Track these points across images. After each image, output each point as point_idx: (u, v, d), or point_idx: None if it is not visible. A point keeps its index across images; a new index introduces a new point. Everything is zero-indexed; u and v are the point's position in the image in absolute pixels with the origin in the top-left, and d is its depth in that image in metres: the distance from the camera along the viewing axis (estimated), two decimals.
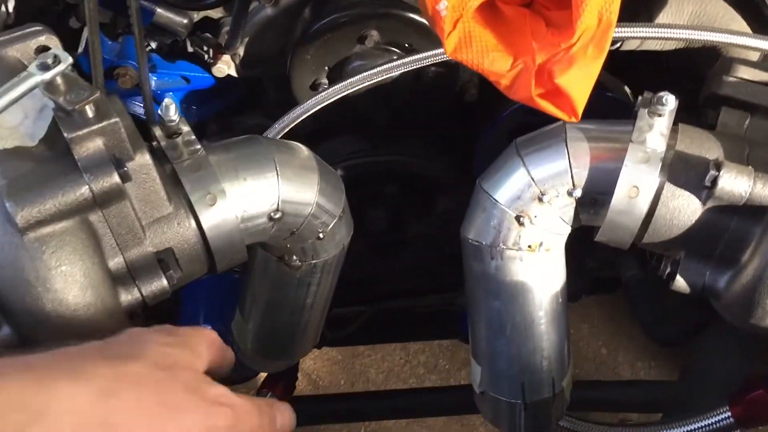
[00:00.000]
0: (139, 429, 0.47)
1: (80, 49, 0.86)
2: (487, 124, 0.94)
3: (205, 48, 0.88)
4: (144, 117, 0.76)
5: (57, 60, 0.53)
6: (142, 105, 0.92)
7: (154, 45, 0.90)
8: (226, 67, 0.88)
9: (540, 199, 0.64)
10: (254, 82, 0.97)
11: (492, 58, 0.51)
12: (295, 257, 0.70)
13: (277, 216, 0.64)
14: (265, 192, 0.63)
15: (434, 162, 0.99)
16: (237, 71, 0.90)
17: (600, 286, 1.17)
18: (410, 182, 1.01)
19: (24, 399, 0.44)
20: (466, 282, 0.69)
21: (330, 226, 0.68)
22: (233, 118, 1.01)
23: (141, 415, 0.48)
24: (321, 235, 0.68)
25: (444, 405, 1.05)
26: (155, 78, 0.94)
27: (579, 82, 0.50)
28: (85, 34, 0.84)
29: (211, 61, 0.88)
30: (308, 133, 0.95)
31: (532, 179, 0.64)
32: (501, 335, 0.66)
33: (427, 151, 0.98)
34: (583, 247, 0.72)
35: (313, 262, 0.71)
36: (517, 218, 0.64)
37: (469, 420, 1.61)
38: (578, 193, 0.63)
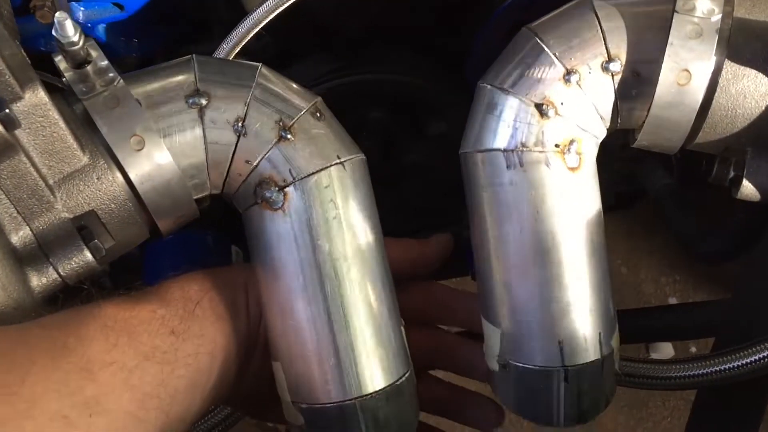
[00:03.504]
0: None
1: None
2: (479, 26, 0.79)
3: None
4: None
5: None
6: None
7: None
8: None
9: (566, 80, 0.49)
10: (201, 2, 0.82)
11: None
12: (272, 188, 0.48)
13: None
14: None
15: (421, 77, 0.84)
16: None
17: (620, 202, 1.04)
18: (397, 104, 0.86)
19: None
20: (471, 211, 0.54)
21: (295, 120, 0.49)
22: (182, 48, 0.85)
23: None
24: (287, 135, 0.49)
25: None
26: (82, 8, 0.79)
27: None
28: None
29: None
30: (273, 55, 0.81)
31: (554, 55, 0.49)
32: (525, 276, 0.51)
33: (411, 66, 0.84)
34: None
35: (300, 180, 0.48)
36: (539, 107, 0.49)
37: None
38: (616, 66, 0.48)
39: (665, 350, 1.53)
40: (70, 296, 0.47)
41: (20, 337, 0.40)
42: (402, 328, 0.53)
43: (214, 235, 0.82)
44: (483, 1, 0.78)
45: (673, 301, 1.62)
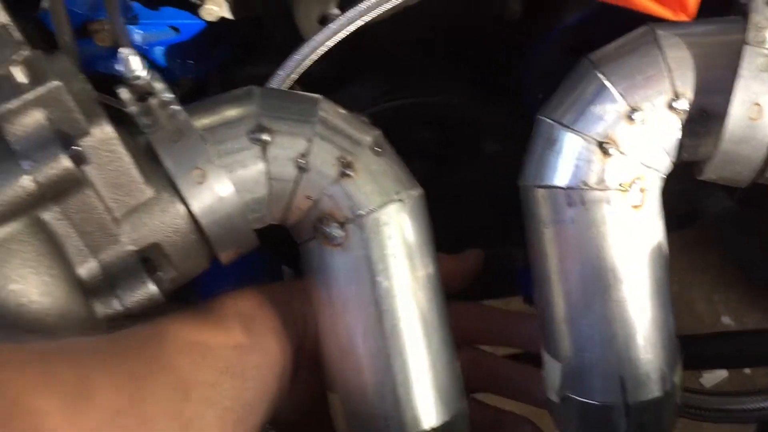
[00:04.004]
0: None
1: (44, 4, 0.72)
2: (534, 46, 0.78)
3: None
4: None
5: None
6: None
7: None
8: (216, 7, 0.74)
9: (630, 117, 0.48)
10: (256, 24, 0.83)
11: None
12: (332, 223, 0.49)
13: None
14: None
15: (474, 99, 0.83)
16: (232, 11, 0.75)
17: (678, 222, 1.02)
18: (448, 125, 0.86)
19: None
20: (531, 246, 0.54)
21: (356, 156, 0.49)
22: (236, 70, 0.86)
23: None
24: (349, 171, 0.49)
25: None
26: (139, 31, 0.80)
27: None
28: None
29: (199, 2, 0.73)
30: (324, 78, 0.81)
31: (618, 92, 0.48)
32: (588, 312, 0.50)
33: (464, 87, 0.83)
34: None
35: (360, 217, 0.48)
36: (601, 146, 0.48)
37: None
38: (683, 103, 0.47)
39: (717, 372, 1.49)
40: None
41: (117, 349, 0.40)
42: (457, 360, 0.53)
43: (266, 254, 0.83)
44: (541, 20, 0.77)
45: (726, 320, 1.58)
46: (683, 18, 0.36)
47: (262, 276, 0.82)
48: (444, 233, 0.94)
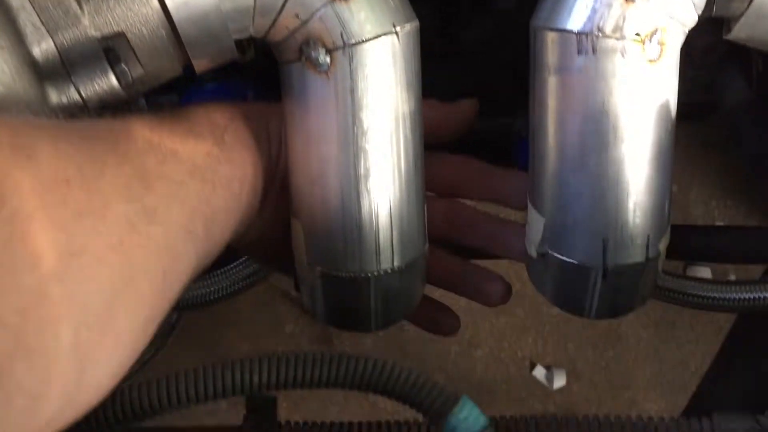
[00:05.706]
0: None
1: None
2: None
3: None
4: None
5: None
6: None
7: None
8: None
9: None
10: None
11: None
12: (319, 48, 0.44)
13: None
14: None
15: None
16: None
17: (690, 113, 0.97)
18: None
19: None
20: (532, 95, 0.49)
21: None
22: None
23: None
24: None
25: None
26: None
27: None
28: None
29: None
30: None
31: None
32: (581, 168, 0.46)
33: None
34: None
35: (350, 46, 0.44)
36: None
37: None
38: None
39: (702, 270, 1.49)
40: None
41: (72, 131, 0.37)
42: (425, 205, 0.51)
43: (254, 88, 0.79)
44: None
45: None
46: None
47: None
48: (445, 93, 0.89)
